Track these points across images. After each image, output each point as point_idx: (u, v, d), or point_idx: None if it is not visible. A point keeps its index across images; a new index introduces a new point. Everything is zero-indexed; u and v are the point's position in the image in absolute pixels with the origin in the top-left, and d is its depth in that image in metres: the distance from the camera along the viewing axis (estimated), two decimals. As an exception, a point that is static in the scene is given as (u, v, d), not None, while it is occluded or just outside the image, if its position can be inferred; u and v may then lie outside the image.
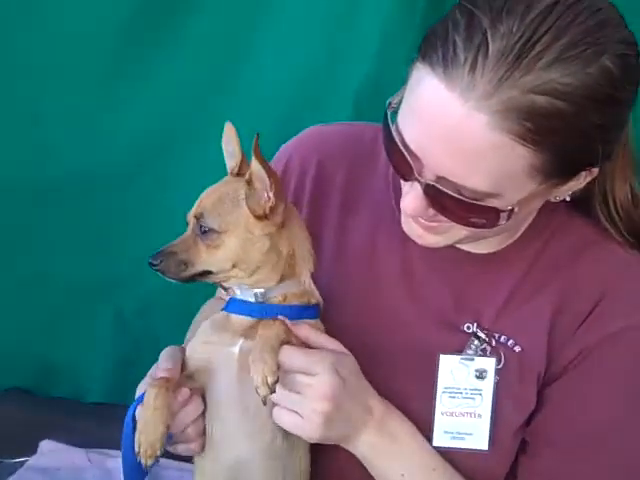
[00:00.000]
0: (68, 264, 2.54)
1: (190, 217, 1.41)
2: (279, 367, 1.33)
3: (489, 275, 1.53)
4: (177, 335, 1.80)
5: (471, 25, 1.23)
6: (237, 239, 1.39)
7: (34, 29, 2.38)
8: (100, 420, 2.45)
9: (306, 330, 1.42)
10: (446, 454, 1.48)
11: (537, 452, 1.50)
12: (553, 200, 1.41)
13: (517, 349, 1.49)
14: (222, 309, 1.48)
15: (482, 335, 1.49)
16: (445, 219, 1.35)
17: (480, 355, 1.48)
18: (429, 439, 1.48)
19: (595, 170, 1.35)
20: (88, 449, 2.33)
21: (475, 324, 1.50)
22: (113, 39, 2.37)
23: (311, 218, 1.59)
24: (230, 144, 1.46)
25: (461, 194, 1.29)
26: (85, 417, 2.56)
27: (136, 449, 1.35)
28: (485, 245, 1.52)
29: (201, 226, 1.39)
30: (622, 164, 1.46)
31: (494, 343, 1.49)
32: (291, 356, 1.37)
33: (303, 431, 1.40)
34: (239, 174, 1.44)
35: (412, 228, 1.45)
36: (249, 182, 1.39)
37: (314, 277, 1.47)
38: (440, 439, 1.48)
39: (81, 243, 2.53)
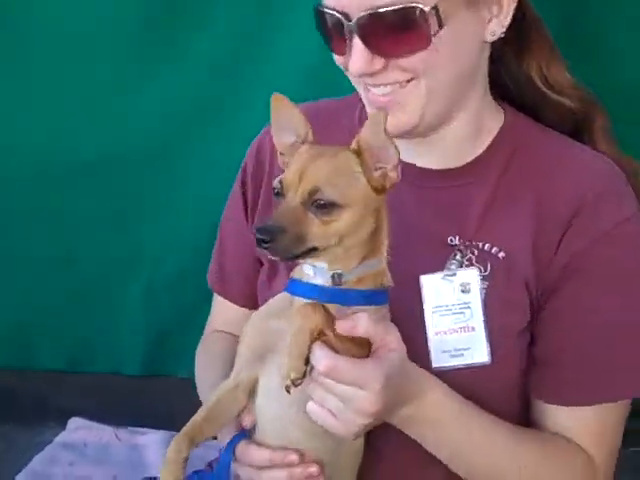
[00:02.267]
0: (96, 244, 2.55)
1: (296, 187, 1.28)
2: (308, 363, 1.25)
3: (462, 189, 1.55)
4: (205, 308, 1.88)
5: None
6: (355, 214, 1.29)
7: (50, 24, 2.39)
8: (134, 395, 2.48)
9: (362, 322, 1.31)
10: (449, 373, 1.44)
11: (550, 362, 1.49)
12: (489, 37, 1.48)
13: (501, 255, 1.49)
14: (285, 290, 1.39)
15: (463, 247, 1.50)
16: (395, 62, 1.43)
17: (466, 267, 1.48)
18: (428, 361, 1.45)
19: None
20: (117, 426, 2.36)
21: (457, 237, 1.51)
22: (132, 24, 2.35)
23: None
24: (287, 115, 1.36)
25: (388, 8, 1.38)
26: (119, 392, 2.59)
27: None
28: (452, 156, 1.56)
29: (316, 200, 1.27)
30: (543, 45, 1.59)
31: (477, 253, 1.49)
32: (339, 367, 1.26)
33: (337, 432, 1.33)
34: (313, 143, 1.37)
35: (376, 101, 1.49)
36: (358, 154, 1.32)
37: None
38: (439, 359, 1.46)
39: (108, 223, 2.54)
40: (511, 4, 1.48)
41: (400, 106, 1.47)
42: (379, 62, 1.43)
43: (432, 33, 1.40)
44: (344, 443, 1.39)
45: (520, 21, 1.53)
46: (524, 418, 1.53)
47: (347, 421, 1.30)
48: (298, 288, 1.36)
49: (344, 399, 1.28)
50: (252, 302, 1.73)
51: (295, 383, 1.24)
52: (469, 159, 1.56)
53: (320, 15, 1.47)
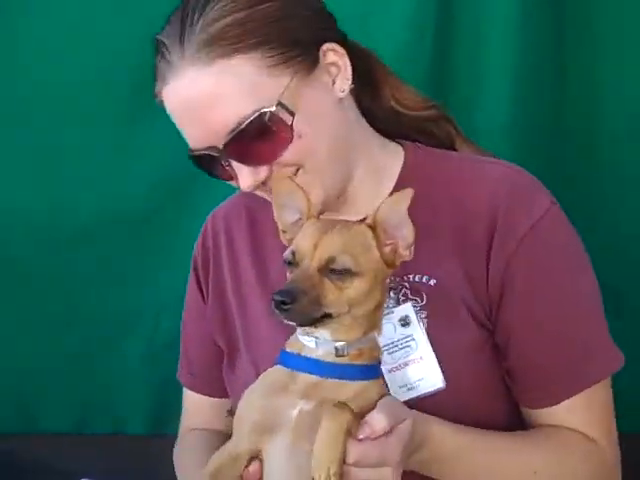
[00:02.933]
0: (95, 305, 2.57)
1: (312, 255, 1.33)
2: (344, 462, 1.28)
3: None
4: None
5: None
6: (367, 283, 1.35)
7: (49, 87, 2.43)
8: (139, 453, 2.46)
9: (379, 423, 1.32)
10: (413, 406, 1.45)
11: (522, 371, 1.56)
12: (340, 94, 1.55)
13: (432, 282, 1.56)
14: (279, 363, 1.42)
15: (395, 284, 1.57)
16: (277, 164, 1.50)
17: (402, 302, 1.55)
18: None
19: (333, 46, 1.53)
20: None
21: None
22: (130, 88, 2.38)
23: (235, 283, 1.74)
24: (289, 194, 1.43)
25: (243, 125, 1.46)
26: (123, 452, 2.57)
27: None
28: (367, 208, 1.55)
29: (332, 267, 1.33)
30: (386, 75, 1.71)
31: (409, 286, 1.56)
32: (367, 453, 1.30)
33: None
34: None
35: None
36: (373, 228, 1.38)
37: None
38: (398, 395, 1.50)
39: (107, 284, 2.56)
40: (345, 59, 1.55)
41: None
42: (263, 170, 1.51)
43: (289, 125, 1.47)
44: None
45: (358, 65, 1.60)
46: (504, 425, 1.58)
47: None
48: (297, 362, 1.39)
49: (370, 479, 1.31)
50: (224, 392, 1.79)
51: None
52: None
53: (196, 160, 1.56)
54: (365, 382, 1.38)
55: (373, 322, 1.40)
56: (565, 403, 1.55)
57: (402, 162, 1.65)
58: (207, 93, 1.46)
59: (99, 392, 2.63)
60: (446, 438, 1.46)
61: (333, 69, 1.54)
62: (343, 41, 1.58)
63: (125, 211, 2.49)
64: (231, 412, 1.77)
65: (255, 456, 1.40)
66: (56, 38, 2.39)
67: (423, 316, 1.53)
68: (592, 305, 1.59)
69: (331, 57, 1.54)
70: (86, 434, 2.65)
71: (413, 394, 1.52)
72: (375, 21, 2.31)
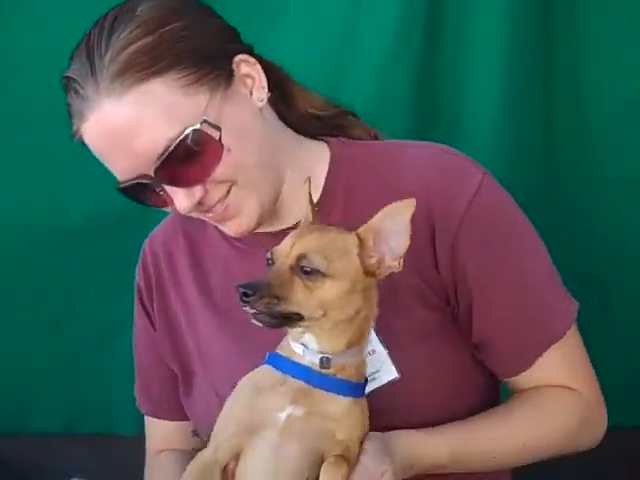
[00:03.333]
0: (85, 305, 2.58)
1: (287, 254, 1.35)
2: None
3: None
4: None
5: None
6: (340, 287, 1.34)
7: (44, 77, 2.32)
8: (130, 455, 2.47)
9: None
10: (375, 398, 1.48)
11: (489, 344, 1.58)
12: (259, 104, 1.56)
13: None
14: (268, 364, 1.43)
15: None
16: (210, 182, 1.49)
17: None
18: None
19: (245, 57, 1.55)
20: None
21: None
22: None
23: (181, 306, 1.74)
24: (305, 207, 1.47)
25: (170, 148, 1.45)
26: (113, 452, 2.58)
27: None
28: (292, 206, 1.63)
29: (303, 266, 1.33)
30: (292, 83, 1.71)
31: None
32: None
33: None
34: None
35: (228, 226, 1.59)
36: (360, 238, 1.37)
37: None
38: None
39: (96, 284, 2.57)
40: (257, 68, 1.56)
41: (237, 211, 1.56)
42: (198, 190, 1.50)
43: (218, 140, 1.47)
44: None
45: (269, 76, 1.60)
46: (481, 401, 1.64)
47: None
48: (288, 366, 1.40)
49: None
50: (186, 414, 1.79)
51: None
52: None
53: (127, 191, 1.54)
54: (351, 400, 1.39)
55: (359, 333, 1.40)
56: (538, 362, 1.58)
57: (329, 158, 1.66)
58: (128, 122, 1.45)
59: (90, 392, 2.64)
60: (438, 448, 1.51)
61: (248, 80, 1.55)
62: (251, 52, 1.59)
63: (113, 212, 2.45)
64: (196, 433, 1.81)
65: (232, 461, 1.40)
66: (51, 37, 2.36)
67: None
68: (542, 262, 1.62)
69: (244, 68, 1.55)
70: (76, 434, 2.66)
71: (373, 387, 1.53)
72: (363, 24, 2.33)
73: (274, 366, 1.41)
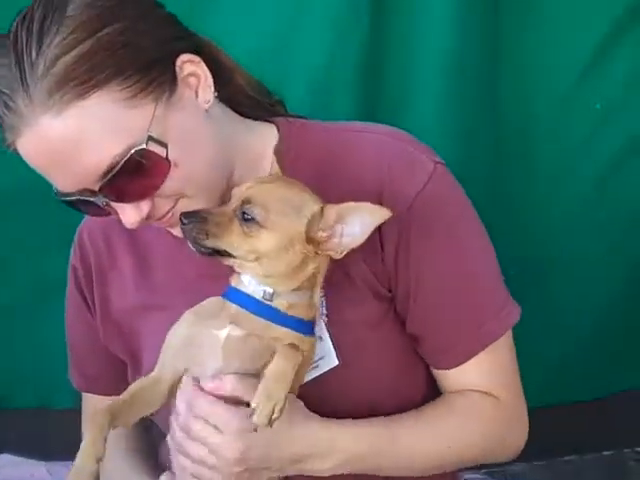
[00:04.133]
0: (16, 272, 2.52)
1: (236, 197, 1.39)
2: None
3: None
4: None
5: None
6: (275, 241, 1.38)
7: None
8: (65, 428, 2.43)
9: (229, 383, 1.41)
10: (315, 386, 1.50)
11: (422, 336, 1.58)
12: (205, 106, 1.47)
13: None
14: (223, 295, 1.45)
15: None
16: (158, 196, 1.43)
17: None
18: None
19: (189, 56, 1.44)
20: (48, 461, 2.31)
21: None
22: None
23: (117, 283, 1.69)
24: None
25: (116, 167, 1.36)
26: (49, 426, 2.54)
27: None
28: None
29: (244, 212, 1.37)
30: (232, 65, 1.63)
31: None
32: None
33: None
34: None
35: (176, 230, 1.49)
36: (323, 211, 1.39)
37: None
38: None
39: (27, 252, 2.50)
40: (202, 67, 1.46)
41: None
42: (145, 204, 1.43)
43: (164, 157, 1.39)
44: None
45: (207, 58, 1.50)
46: (421, 394, 1.63)
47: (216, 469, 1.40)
48: (237, 297, 1.43)
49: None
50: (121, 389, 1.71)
51: (272, 425, 1.31)
52: None
53: (69, 203, 1.45)
54: (299, 335, 1.42)
55: (304, 284, 1.43)
56: (469, 363, 1.58)
57: (277, 138, 1.61)
58: (69, 140, 1.34)
59: (23, 364, 2.58)
60: (360, 436, 1.50)
61: (192, 80, 1.45)
62: (194, 45, 1.48)
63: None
64: None
65: (177, 382, 1.44)
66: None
67: (321, 294, 1.50)
68: (487, 261, 1.60)
69: (188, 68, 1.44)
70: (8, 409, 2.61)
71: (316, 373, 1.53)
72: (311, 2, 2.28)
73: (224, 296, 1.44)
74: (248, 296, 1.42)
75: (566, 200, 2.44)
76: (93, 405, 1.83)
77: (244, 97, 1.64)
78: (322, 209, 1.40)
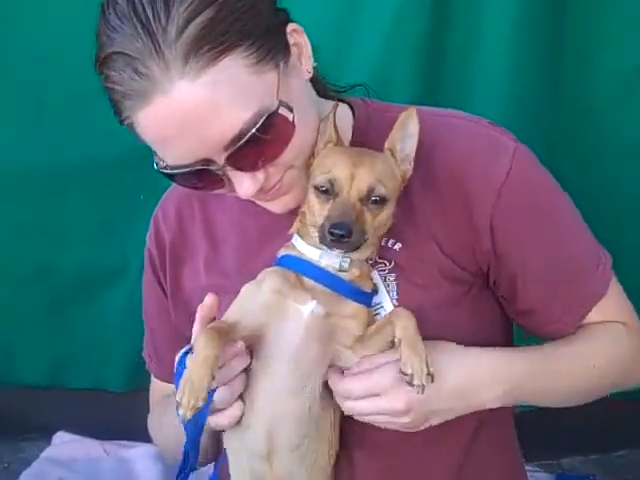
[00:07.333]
0: (78, 255, 2.52)
1: (350, 185, 1.38)
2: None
3: None
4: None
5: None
6: (393, 205, 1.43)
7: (35, 26, 2.36)
8: (119, 409, 2.44)
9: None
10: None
11: (536, 309, 1.57)
12: (307, 75, 1.46)
13: (397, 247, 1.52)
14: (281, 265, 1.45)
15: None
16: (273, 165, 1.41)
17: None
18: None
19: (295, 26, 1.43)
20: (103, 440, 2.32)
21: None
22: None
23: (191, 268, 1.68)
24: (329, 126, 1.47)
25: (247, 132, 1.34)
26: (103, 408, 2.55)
27: (177, 398, 1.29)
28: None
29: (373, 197, 1.39)
30: None
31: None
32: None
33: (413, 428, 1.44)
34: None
35: (274, 204, 1.50)
36: (391, 150, 1.45)
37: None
38: None
39: (91, 232, 2.51)
40: (305, 37, 1.46)
41: (287, 190, 1.48)
42: (261, 174, 1.41)
43: (291, 122, 1.38)
44: (324, 429, 1.47)
45: None
46: None
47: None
48: (306, 268, 1.43)
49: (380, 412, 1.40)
50: None
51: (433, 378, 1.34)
52: None
53: (179, 177, 1.42)
54: (363, 307, 1.44)
55: (377, 243, 1.47)
56: (589, 315, 1.58)
57: (351, 117, 1.59)
58: (203, 105, 1.31)
59: (80, 346, 2.60)
60: (515, 360, 1.51)
61: (296, 50, 1.44)
62: (288, 17, 1.46)
63: (113, 154, 2.39)
64: None
65: (250, 340, 1.42)
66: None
67: (392, 279, 1.51)
68: (578, 228, 1.60)
69: (295, 37, 1.44)
70: (65, 388, 2.62)
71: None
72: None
73: (290, 266, 1.44)
74: (323, 270, 1.43)
75: (629, 183, 2.42)
76: (159, 390, 1.82)
77: (316, 75, 1.62)
78: (391, 151, 1.45)
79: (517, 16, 2.26)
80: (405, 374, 1.33)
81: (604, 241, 2.33)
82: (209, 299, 1.44)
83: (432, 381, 1.33)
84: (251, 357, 1.43)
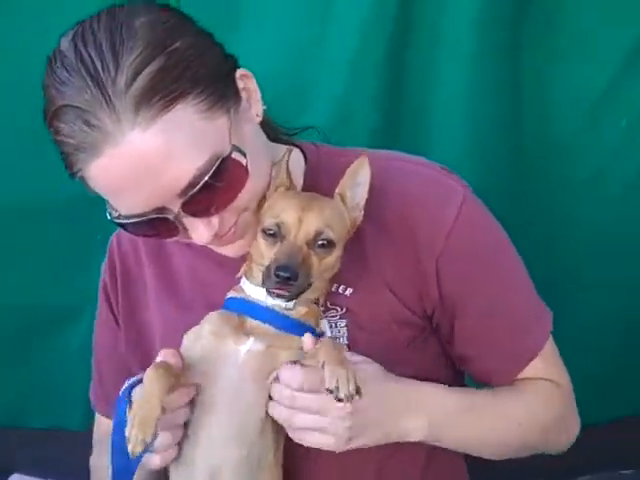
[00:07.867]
0: (35, 293, 2.50)
1: (297, 229, 1.41)
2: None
3: None
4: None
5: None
6: (340, 250, 1.46)
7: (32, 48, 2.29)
8: (76, 449, 2.40)
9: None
10: None
11: (471, 357, 1.61)
12: (257, 120, 1.49)
13: (348, 292, 1.54)
14: (226, 308, 1.48)
15: None
16: (227, 210, 1.42)
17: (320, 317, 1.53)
18: None
19: (244, 71, 1.46)
20: (60, 481, 2.28)
21: None
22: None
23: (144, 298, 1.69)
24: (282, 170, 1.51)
25: (201, 178, 1.35)
26: (61, 448, 2.51)
27: (126, 433, 1.30)
28: None
29: (319, 240, 1.41)
30: None
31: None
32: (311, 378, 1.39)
33: (335, 448, 1.44)
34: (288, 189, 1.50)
35: (229, 249, 1.52)
36: (342, 196, 1.48)
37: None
38: None
39: (42, 272, 2.49)
40: (254, 81, 1.48)
41: (241, 234, 1.49)
42: (215, 220, 1.42)
43: (245, 166, 1.40)
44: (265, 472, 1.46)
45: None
46: None
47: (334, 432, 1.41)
48: (250, 308, 1.45)
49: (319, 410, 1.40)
50: None
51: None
52: None
53: (133, 226, 1.42)
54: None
55: (325, 287, 1.50)
56: (525, 370, 1.61)
57: (303, 163, 1.61)
58: (156, 154, 1.32)
59: (37, 384, 2.56)
60: (445, 397, 1.52)
61: (245, 94, 1.47)
62: (236, 62, 1.50)
63: (70, 194, 2.23)
64: None
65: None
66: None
67: (342, 325, 1.53)
68: (520, 279, 1.62)
69: (244, 82, 1.46)
70: (22, 427, 2.59)
71: None
72: (332, 22, 2.24)
73: (234, 309, 1.47)
74: (269, 309, 1.45)
75: (591, 218, 2.39)
76: (102, 425, 1.80)
77: (266, 118, 1.62)
78: (341, 196, 1.47)
79: (476, 48, 2.24)
80: (330, 391, 1.30)
81: (569, 272, 2.33)
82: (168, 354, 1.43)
83: (359, 394, 1.32)
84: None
